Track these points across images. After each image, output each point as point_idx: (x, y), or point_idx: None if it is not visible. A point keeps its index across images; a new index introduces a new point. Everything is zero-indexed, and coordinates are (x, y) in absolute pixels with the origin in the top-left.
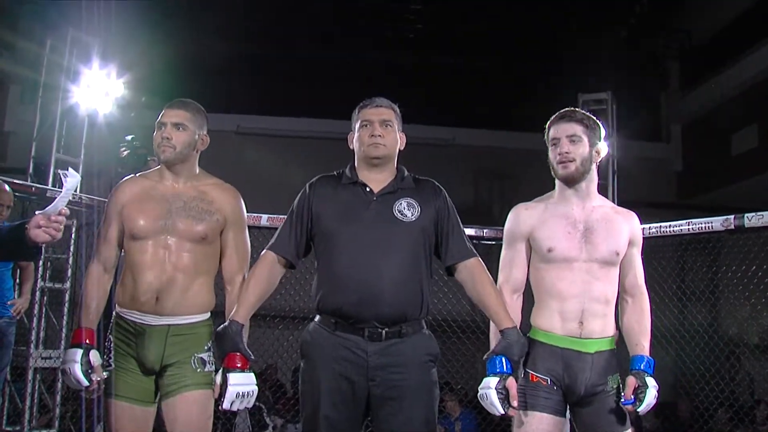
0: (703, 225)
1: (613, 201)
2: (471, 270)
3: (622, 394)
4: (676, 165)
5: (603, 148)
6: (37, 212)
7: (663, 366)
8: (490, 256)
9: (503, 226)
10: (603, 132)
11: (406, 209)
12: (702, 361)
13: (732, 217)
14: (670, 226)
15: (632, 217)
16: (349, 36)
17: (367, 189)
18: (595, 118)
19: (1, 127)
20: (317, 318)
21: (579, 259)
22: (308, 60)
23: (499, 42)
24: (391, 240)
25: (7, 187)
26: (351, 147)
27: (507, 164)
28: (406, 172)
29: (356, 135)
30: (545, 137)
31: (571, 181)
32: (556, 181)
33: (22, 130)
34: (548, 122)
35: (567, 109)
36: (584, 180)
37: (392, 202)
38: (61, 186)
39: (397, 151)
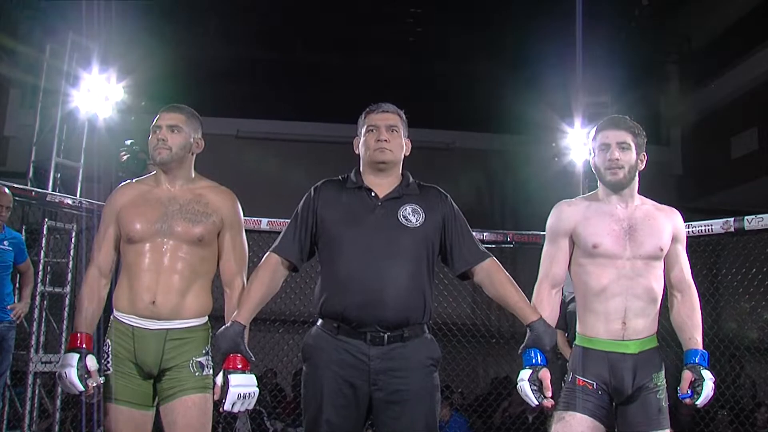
0: (704, 228)
1: None
2: (488, 271)
3: (678, 388)
4: (676, 168)
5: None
6: None
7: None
8: None
9: (503, 229)
10: (645, 139)
11: (411, 215)
12: None
13: (732, 219)
14: None
15: (675, 214)
16: (348, 40)
17: (372, 194)
18: (640, 126)
19: (1, 132)
20: (319, 322)
21: (623, 256)
22: (308, 64)
23: (499, 45)
24: (395, 245)
25: (6, 190)
26: (356, 152)
27: (508, 168)
28: (411, 178)
29: (362, 140)
30: (591, 141)
31: (618, 188)
32: (600, 185)
33: (22, 135)
34: (596, 127)
35: (616, 116)
36: (629, 186)
37: (397, 207)
38: (61, 190)
39: (403, 156)
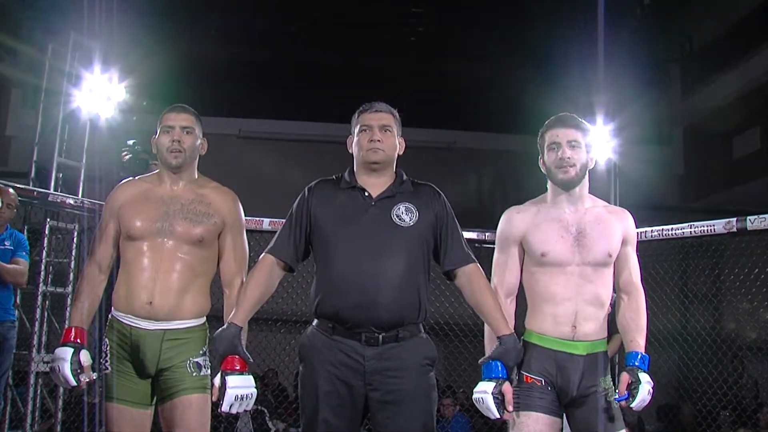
0: (706, 228)
1: (615, 204)
2: (469, 276)
3: (616, 390)
4: (678, 168)
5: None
6: None
7: (666, 369)
8: (492, 259)
9: None
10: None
11: (404, 214)
12: (705, 363)
13: (734, 219)
14: (672, 229)
15: (625, 216)
16: (350, 39)
17: (366, 194)
18: (588, 125)
19: (3, 132)
20: (315, 322)
21: (572, 262)
22: (310, 64)
23: (500, 45)
24: (388, 245)
25: (11, 189)
26: (350, 151)
27: (509, 167)
28: (404, 177)
29: (355, 139)
30: (539, 140)
31: (569, 186)
32: (549, 185)
33: (23, 135)
34: (545, 125)
35: (564, 113)
36: (579, 185)
37: (390, 206)
38: (62, 190)
39: (396, 156)
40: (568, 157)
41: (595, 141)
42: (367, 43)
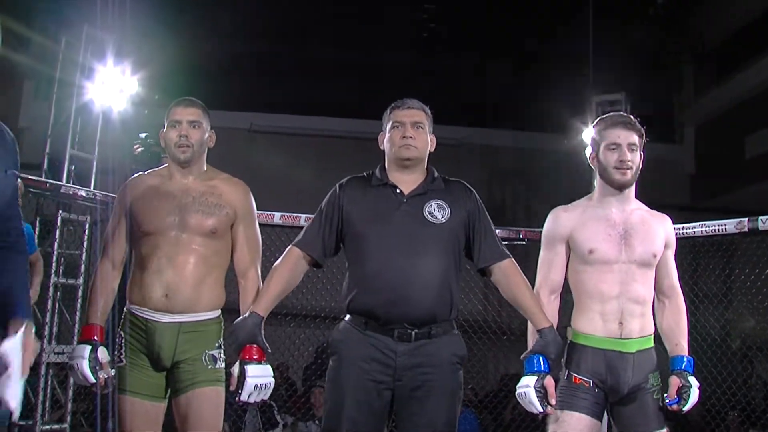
0: (717, 227)
1: None
2: (505, 272)
3: (666, 395)
4: (689, 167)
5: None
6: None
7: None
8: None
9: (517, 226)
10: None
11: (437, 211)
12: (714, 363)
13: (746, 219)
14: (683, 228)
15: (666, 220)
16: (362, 35)
17: (398, 191)
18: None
19: (16, 123)
20: (347, 317)
21: (618, 260)
22: (321, 59)
23: (513, 42)
24: (421, 241)
25: (19, 180)
26: (381, 147)
27: (521, 164)
28: (436, 174)
29: (387, 136)
30: (594, 136)
31: (624, 187)
32: (598, 183)
33: (36, 126)
34: (602, 122)
35: (624, 115)
36: (630, 187)
37: (422, 203)
38: (75, 182)
39: (428, 152)
40: (629, 160)
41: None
42: (378, 39)
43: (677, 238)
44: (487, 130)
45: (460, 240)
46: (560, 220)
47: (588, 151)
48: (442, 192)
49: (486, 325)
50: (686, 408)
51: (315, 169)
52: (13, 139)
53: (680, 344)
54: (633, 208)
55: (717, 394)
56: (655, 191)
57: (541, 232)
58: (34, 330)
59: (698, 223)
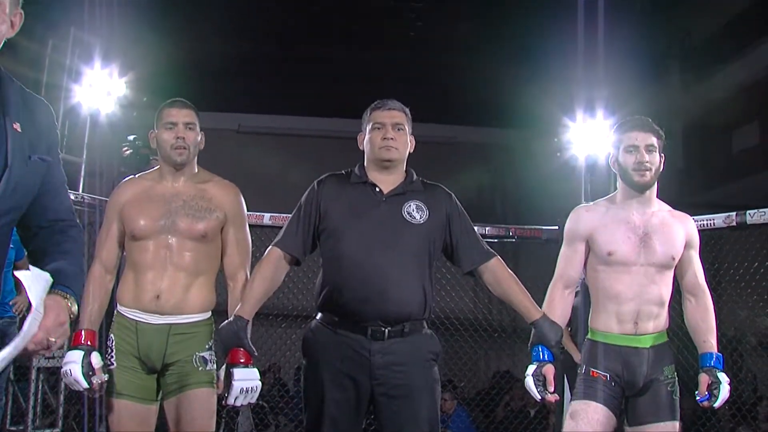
0: (705, 222)
1: None
2: (494, 271)
3: (696, 392)
4: (677, 162)
5: None
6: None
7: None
8: None
9: (507, 223)
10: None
11: (415, 211)
12: None
13: (734, 214)
14: None
15: (688, 220)
16: (350, 35)
17: (377, 189)
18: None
19: None
20: (319, 316)
21: (637, 263)
22: (309, 59)
23: (500, 40)
24: (398, 241)
25: None
26: (361, 147)
27: (509, 162)
28: (415, 175)
29: (367, 137)
30: (614, 139)
31: (644, 189)
32: (620, 185)
33: None
34: (620, 126)
35: (642, 118)
36: (651, 188)
37: (401, 203)
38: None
39: (407, 153)
40: (647, 162)
41: (595, 135)
42: (366, 37)
43: None
44: (476, 128)
45: (437, 242)
46: (582, 220)
47: (611, 156)
48: (421, 194)
49: (477, 323)
50: (717, 404)
51: (304, 170)
52: (51, 118)
53: (708, 341)
54: (654, 210)
55: None
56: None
57: (530, 229)
58: (74, 307)
59: None
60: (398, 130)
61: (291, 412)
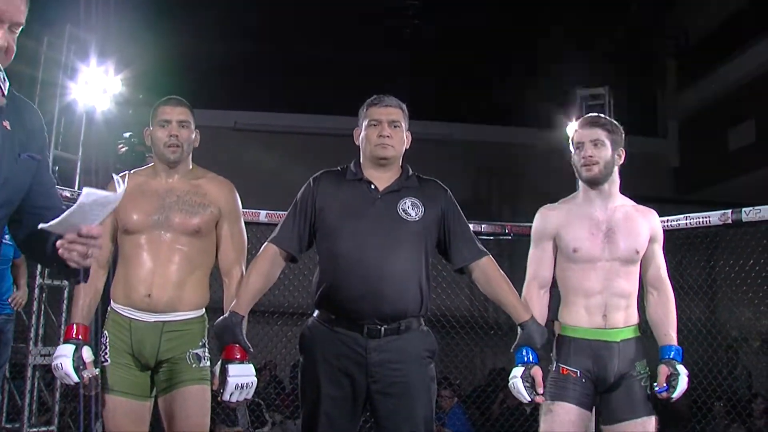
0: (701, 219)
1: None
2: (484, 269)
3: (655, 384)
4: (673, 160)
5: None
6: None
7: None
8: (489, 251)
9: (502, 221)
10: (623, 136)
11: (411, 208)
12: (700, 355)
13: (729, 211)
14: (667, 220)
15: (652, 215)
16: (345, 32)
17: (372, 186)
18: (616, 123)
19: None
20: (316, 313)
21: (602, 258)
22: (305, 56)
23: (496, 38)
24: (394, 238)
25: None
26: (357, 143)
27: (505, 160)
28: (410, 171)
29: (363, 133)
30: (570, 142)
31: (594, 183)
32: (580, 183)
33: None
34: (574, 128)
35: (591, 114)
36: (607, 182)
37: (397, 200)
38: (59, 183)
39: (404, 150)
40: (590, 156)
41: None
42: (363, 36)
43: (662, 231)
44: (473, 125)
45: (433, 238)
46: (547, 219)
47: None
48: (417, 190)
49: (473, 321)
50: (675, 395)
51: (300, 167)
52: (40, 122)
53: (669, 334)
54: (617, 205)
55: (703, 385)
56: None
57: (526, 227)
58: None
59: (682, 216)
60: (394, 127)
61: (287, 409)
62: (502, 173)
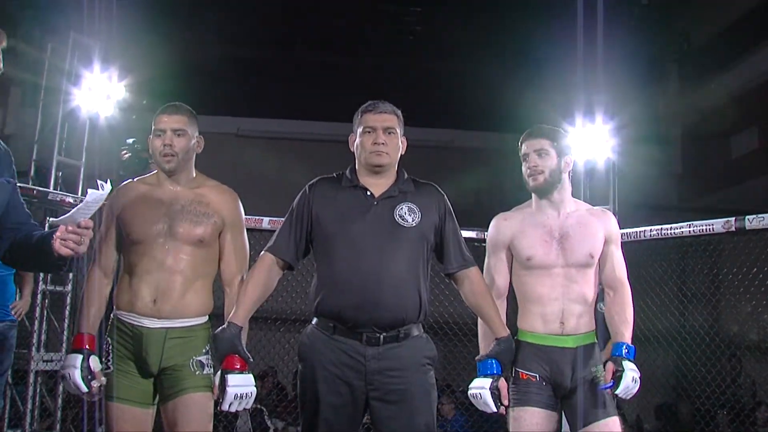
0: (704, 227)
1: (613, 204)
2: (470, 280)
3: (602, 378)
4: (676, 167)
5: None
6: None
7: (664, 368)
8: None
9: None
10: (568, 145)
11: (407, 214)
12: (703, 362)
13: (733, 219)
14: (671, 228)
15: (606, 216)
16: (348, 38)
17: (368, 193)
18: (561, 129)
19: (3, 130)
20: (314, 321)
21: (557, 265)
22: (308, 63)
23: (498, 44)
24: (391, 244)
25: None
26: (351, 149)
27: (507, 167)
28: (406, 176)
29: (358, 140)
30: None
31: (542, 192)
32: (532, 194)
33: (23, 133)
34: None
35: (536, 125)
36: (556, 190)
37: (393, 206)
38: (62, 189)
39: (399, 156)
40: (535, 165)
41: (594, 140)
42: (364, 41)
43: (665, 238)
44: (473, 132)
45: (430, 243)
46: (501, 228)
47: None
48: (413, 195)
49: (476, 328)
50: (618, 391)
51: (303, 173)
52: (6, 150)
53: (620, 332)
54: (570, 211)
55: (706, 393)
56: (642, 191)
57: None
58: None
59: (685, 223)
60: (389, 133)
61: (289, 416)
62: (504, 180)
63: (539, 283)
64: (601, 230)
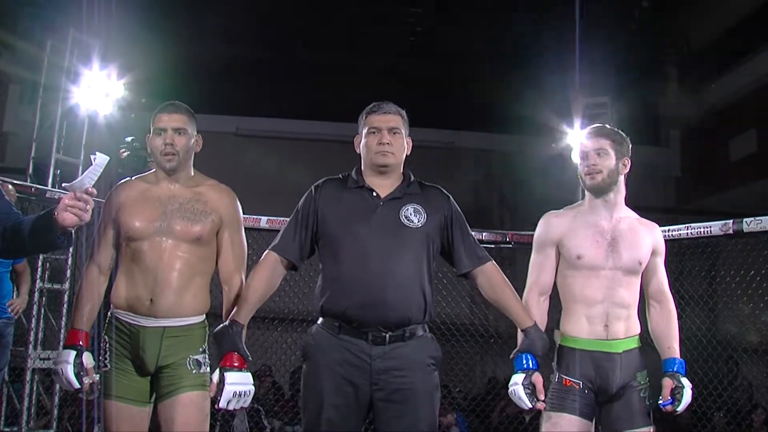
0: (702, 230)
1: None
2: (488, 275)
3: (660, 396)
4: (674, 170)
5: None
6: (64, 184)
7: (661, 370)
8: None
9: (504, 229)
10: (630, 146)
11: (413, 215)
12: (700, 365)
13: (731, 222)
14: (668, 230)
15: (655, 228)
16: (349, 39)
17: (374, 194)
18: (623, 133)
19: (1, 128)
20: (320, 321)
21: (605, 267)
22: (308, 62)
23: (499, 45)
24: (397, 245)
25: (10, 186)
26: (357, 151)
27: (507, 168)
28: (412, 178)
29: (363, 141)
30: (577, 150)
31: (598, 192)
32: (586, 192)
33: (21, 131)
34: (581, 139)
35: (597, 125)
36: (612, 191)
37: (399, 207)
38: (60, 187)
39: (404, 156)
40: (594, 164)
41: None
42: (366, 42)
43: (663, 241)
44: (476, 133)
45: (435, 245)
46: (551, 226)
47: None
48: (419, 196)
49: (473, 329)
50: (680, 408)
51: (302, 173)
52: None
53: (672, 347)
54: (622, 216)
55: (703, 395)
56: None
57: (527, 235)
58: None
59: (684, 225)
60: (394, 134)
61: (286, 416)
62: (505, 181)
63: (586, 284)
64: (650, 240)
